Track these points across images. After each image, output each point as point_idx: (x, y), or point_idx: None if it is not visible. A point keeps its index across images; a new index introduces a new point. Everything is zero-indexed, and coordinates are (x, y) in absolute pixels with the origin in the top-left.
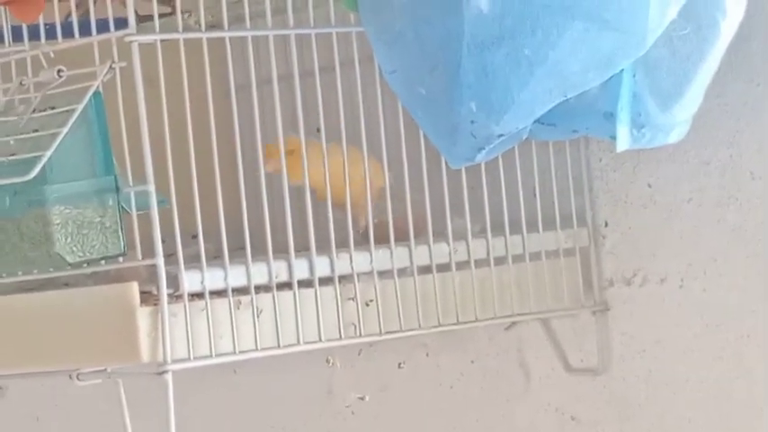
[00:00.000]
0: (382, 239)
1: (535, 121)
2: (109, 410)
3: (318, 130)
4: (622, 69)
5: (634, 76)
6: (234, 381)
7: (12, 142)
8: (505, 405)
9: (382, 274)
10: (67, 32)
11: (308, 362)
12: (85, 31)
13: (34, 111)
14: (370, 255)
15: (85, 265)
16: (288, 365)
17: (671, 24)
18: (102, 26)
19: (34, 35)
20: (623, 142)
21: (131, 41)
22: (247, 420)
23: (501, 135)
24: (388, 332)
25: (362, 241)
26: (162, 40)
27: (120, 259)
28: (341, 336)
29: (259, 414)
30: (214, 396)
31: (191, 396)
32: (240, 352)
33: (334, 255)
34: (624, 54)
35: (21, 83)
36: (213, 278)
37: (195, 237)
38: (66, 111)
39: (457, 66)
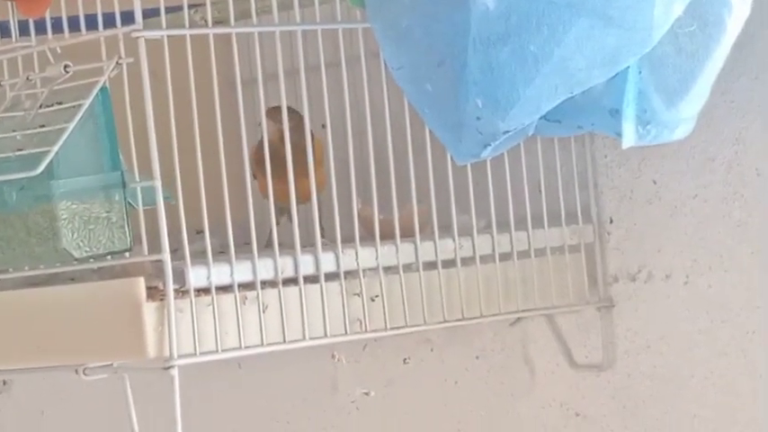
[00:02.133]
0: (387, 235)
1: (540, 118)
2: (114, 405)
3: (324, 126)
4: (628, 66)
5: (640, 72)
6: (239, 375)
7: (19, 137)
8: (510, 400)
9: (388, 269)
10: (74, 27)
11: (312, 357)
12: (92, 25)
13: (41, 106)
14: (376, 250)
15: (92, 260)
16: (292, 360)
17: (676, 21)
18: (109, 21)
19: (41, 30)
20: (629, 139)
21: (138, 37)
22: (252, 415)
23: (506, 131)
24: (393, 327)
25: (368, 237)
26: (168, 36)
27: (127, 254)
28: (346, 331)
29: (263, 409)
30: (219, 390)
31: (195, 390)
32: (246, 347)
33: (340, 250)
34: (629, 51)
35: (27, 78)
36: (219, 274)
37: (200, 232)
38: (73, 106)
39: (463, 62)
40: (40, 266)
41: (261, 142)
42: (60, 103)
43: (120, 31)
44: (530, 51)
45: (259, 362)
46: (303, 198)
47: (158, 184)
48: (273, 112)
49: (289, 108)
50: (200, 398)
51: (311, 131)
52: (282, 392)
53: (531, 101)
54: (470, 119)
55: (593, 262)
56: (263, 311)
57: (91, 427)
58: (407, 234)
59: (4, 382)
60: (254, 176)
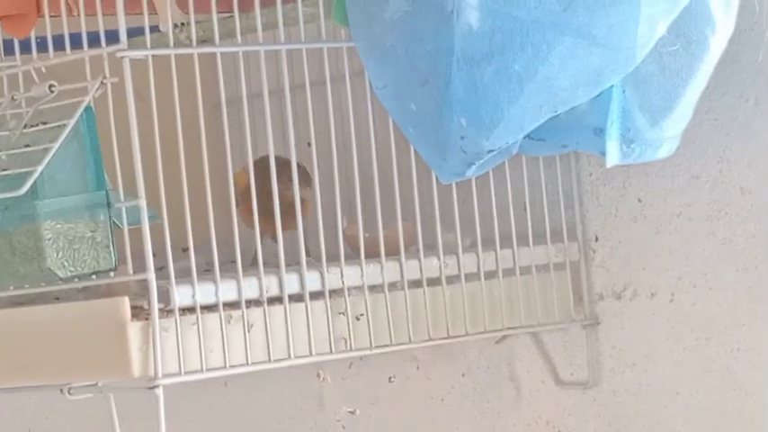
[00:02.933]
0: (373, 254)
1: (525, 137)
2: (100, 424)
3: (309, 145)
4: (612, 85)
5: (624, 91)
6: (225, 394)
7: (3, 157)
8: (496, 418)
9: (373, 288)
10: (59, 47)
11: (298, 375)
12: (77, 45)
13: (26, 126)
14: (361, 269)
15: (77, 279)
16: (278, 379)
17: (660, 40)
18: (94, 41)
19: (26, 49)
20: (613, 158)
21: (123, 57)
22: None
23: (491, 150)
24: (378, 346)
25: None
26: (153, 56)
27: (112, 274)
28: (331, 350)
29: (250, 428)
30: (205, 409)
31: (181, 409)
32: (231, 366)
33: (325, 269)
34: (613, 70)
35: (12, 98)
36: (204, 293)
37: (185, 250)
38: (58, 126)
39: (447, 81)
40: (24, 286)
41: (246, 174)
42: (45, 123)
43: (104, 50)
44: (514, 70)
45: (245, 380)
46: (287, 228)
47: (143, 203)
48: (261, 163)
49: (277, 158)
50: (185, 416)
51: (301, 165)
52: (268, 411)
53: (516, 120)
54: (455, 138)
55: (578, 280)
56: (249, 330)
57: None
58: (393, 253)
59: None
60: (237, 205)
